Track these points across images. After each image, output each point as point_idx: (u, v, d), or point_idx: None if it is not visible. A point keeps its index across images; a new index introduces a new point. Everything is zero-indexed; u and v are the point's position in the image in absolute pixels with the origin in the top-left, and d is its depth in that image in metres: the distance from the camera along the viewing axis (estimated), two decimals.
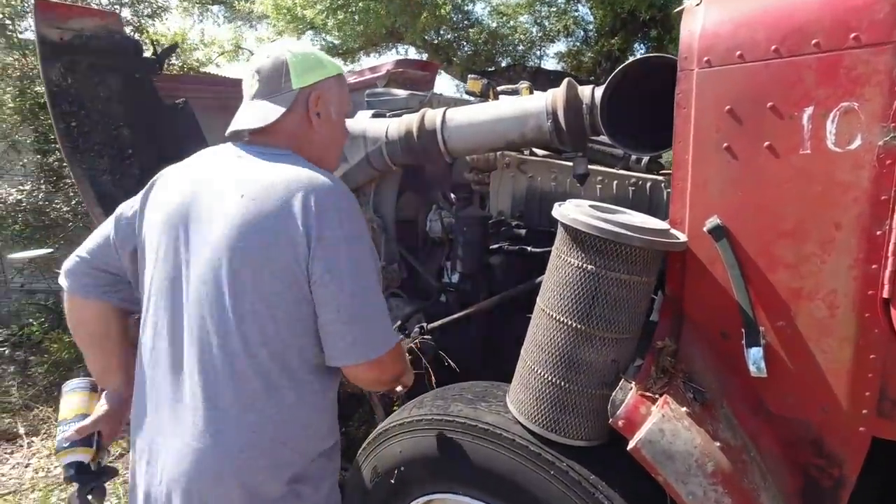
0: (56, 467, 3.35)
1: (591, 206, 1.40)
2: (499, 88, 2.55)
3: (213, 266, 1.11)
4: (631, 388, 1.22)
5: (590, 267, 1.27)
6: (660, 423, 1.12)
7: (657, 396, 1.20)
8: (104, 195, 2.32)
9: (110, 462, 1.38)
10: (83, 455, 1.25)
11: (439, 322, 2.24)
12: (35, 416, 3.69)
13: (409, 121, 2.20)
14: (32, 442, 3.46)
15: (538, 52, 14.98)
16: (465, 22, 14.12)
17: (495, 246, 2.33)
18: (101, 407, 1.32)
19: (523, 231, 2.33)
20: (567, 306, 1.30)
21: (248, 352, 1.10)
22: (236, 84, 4.34)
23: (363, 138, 2.32)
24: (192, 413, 1.11)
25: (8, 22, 5.32)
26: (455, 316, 2.19)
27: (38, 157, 5.23)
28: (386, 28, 8.92)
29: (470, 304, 2.26)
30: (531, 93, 2.50)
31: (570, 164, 2.27)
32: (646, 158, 2.21)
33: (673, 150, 1.37)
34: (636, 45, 14.07)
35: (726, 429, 1.22)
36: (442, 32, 13.94)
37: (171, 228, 1.17)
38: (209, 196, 1.16)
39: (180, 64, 6.51)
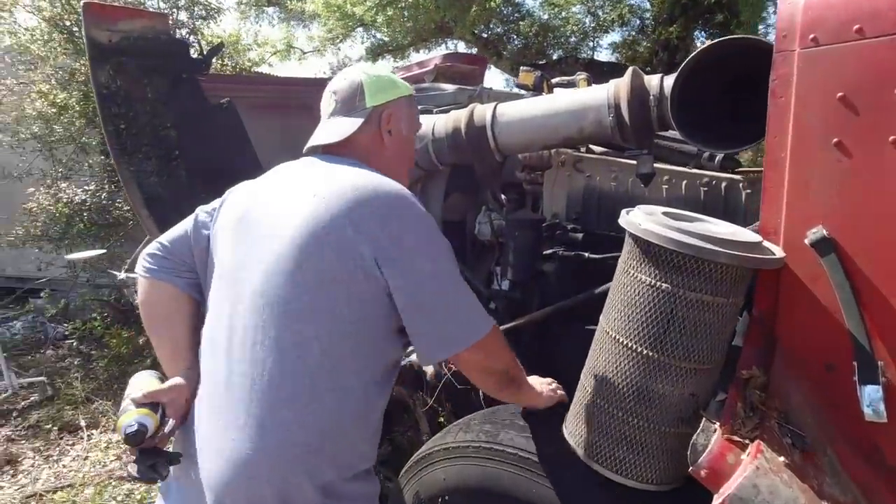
0: (112, 461, 3.44)
1: (664, 213, 1.22)
2: (553, 81, 2.37)
3: (279, 261, 1.11)
4: (715, 431, 1.03)
5: (665, 286, 1.09)
6: (753, 477, 0.94)
7: (747, 441, 1.01)
8: (152, 197, 2.30)
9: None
10: (146, 417, 1.13)
11: None
12: (95, 409, 3.81)
13: (457, 117, 2.06)
14: (92, 434, 3.56)
15: (591, 44, 14.48)
16: (516, 14, 13.82)
17: (549, 251, 2.16)
18: (171, 381, 1.25)
19: (580, 235, 2.14)
20: (637, 330, 1.13)
21: (299, 349, 1.09)
22: (280, 83, 4.32)
23: None
24: (235, 406, 1.10)
25: (76, 29, 5.54)
26: (505, 326, 2.04)
27: (103, 158, 5.44)
28: (435, 23, 8.79)
29: (521, 313, 2.10)
30: (589, 85, 2.31)
31: (633, 162, 2.06)
32: (720, 156, 1.98)
33: (766, 146, 1.17)
34: (696, 31, 13.38)
35: (833, 483, 1.01)
36: (492, 26, 13.71)
37: (241, 224, 1.21)
38: (281, 195, 1.20)
39: (233, 64, 6.63)
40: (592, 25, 14.32)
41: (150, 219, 2.24)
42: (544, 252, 2.16)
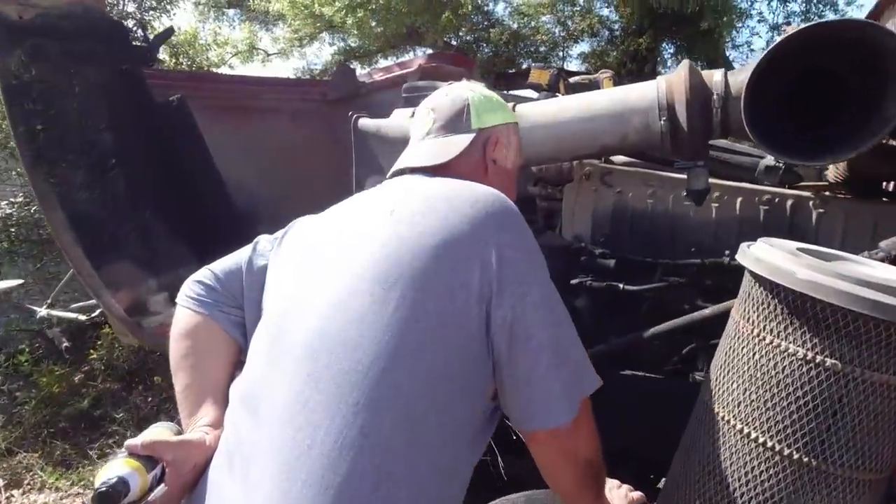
0: None
1: (801, 249, 0.87)
2: (571, 80, 2.04)
3: (347, 295, 0.86)
4: None
5: (832, 362, 0.74)
6: None
7: None
8: (79, 217, 1.83)
9: None
10: (134, 474, 0.80)
11: None
12: (18, 463, 3.22)
13: None
14: (12, 496, 2.99)
15: (561, 54, 14.47)
16: (486, 22, 13.67)
17: (575, 281, 1.81)
18: (184, 435, 0.96)
19: (611, 262, 1.80)
20: (782, 424, 0.78)
21: (368, 411, 0.79)
22: (243, 82, 3.85)
23: (404, 141, 1.82)
24: (275, 483, 0.79)
25: None
26: None
27: None
28: (406, 27, 8.45)
29: None
30: (614, 84, 1.98)
31: (674, 175, 1.74)
32: (780, 170, 1.68)
33: None
34: (665, 43, 13.52)
35: None
36: (462, 34, 13.50)
37: (308, 254, 0.99)
38: (354, 219, 1.00)
39: (189, 64, 6.08)
40: (562, 35, 14.30)
41: (75, 245, 1.77)
42: (571, 282, 1.80)
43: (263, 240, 1.12)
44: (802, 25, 1.30)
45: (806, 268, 0.76)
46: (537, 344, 0.83)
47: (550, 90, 1.98)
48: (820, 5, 10.32)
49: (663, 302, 1.81)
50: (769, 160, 1.69)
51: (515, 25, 14.41)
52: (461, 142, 1.06)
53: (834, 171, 1.81)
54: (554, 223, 2.05)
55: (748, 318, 0.85)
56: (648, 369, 1.77)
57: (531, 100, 1.78)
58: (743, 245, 0.93)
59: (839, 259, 0.91)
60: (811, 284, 0.73)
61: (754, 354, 0.83)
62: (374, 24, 8.50)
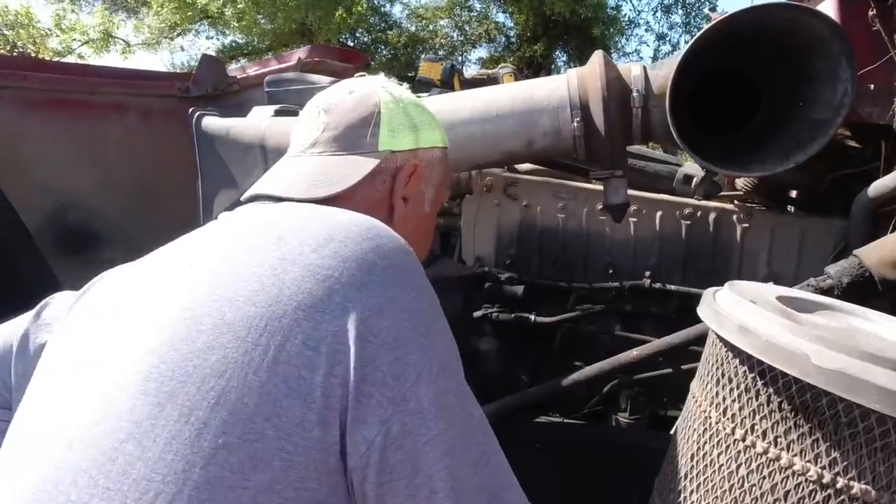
0: None
1: (781, 298, 0.62)
2: (468, 75, 1.75)
3: (120, 389, 0.51)
4: None
5: (862, 488, 0.48)
6: None
7: None
8: None
9: None
10: None
11: None
12: None
13: None
14: None
15: (460, 58, 14.51)
16: (383, 24, 13.36)
17: (478, 313, 1.52)
18: None
19: (519, 289, 1.53)
20: None
21: None
22: (80, 72, 3.22)
23: (260, 149, 1.43)
24: None
25: None
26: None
27: None
28: (295, 23, 7.88)
29: None
30: (517, 80, 1.72)
31: (589, 186, 1.50)
32: (698, 179, 1.49)
33: None
34: (557, 51, 13.99)
35: None
36: (359, 35, 13.08)
37: (83, 336, 0.61)
38: (157, 276, 0.61)
39: (25, 52, 5.10)
40: (460, 39, 14.34)
41: None
42: (474, 314, 1.51)
43: (55, 302, 0.79)
44: (728, 13, 1.10)
45: (824, 346, 0.49)
46: (427, 483, 0.50)
47: (443, 87, 1.68)
48: (698, 18, 11.14)
49: (579, 332, 1.57)
50: (688, 169, 1.51)
51: (413, 28, 14.22)
52: (359, 167, 0.71)
53: (743, 180, 1.67)
54: (452, 243, 1.75)
55: (726, 412, 0.58)
56: (563, 412, 1.52)
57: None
58: (707, 293, 0.67)
59: (828, 310, 0.67)
60: (841, 378, 0.46)
61: (739, 467, 0.56)
62: (260, 18, 7.83)
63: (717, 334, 0.61)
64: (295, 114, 1.53)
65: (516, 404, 1.28)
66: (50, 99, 2.62)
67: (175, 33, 7.98)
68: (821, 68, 1.13)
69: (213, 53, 8.98)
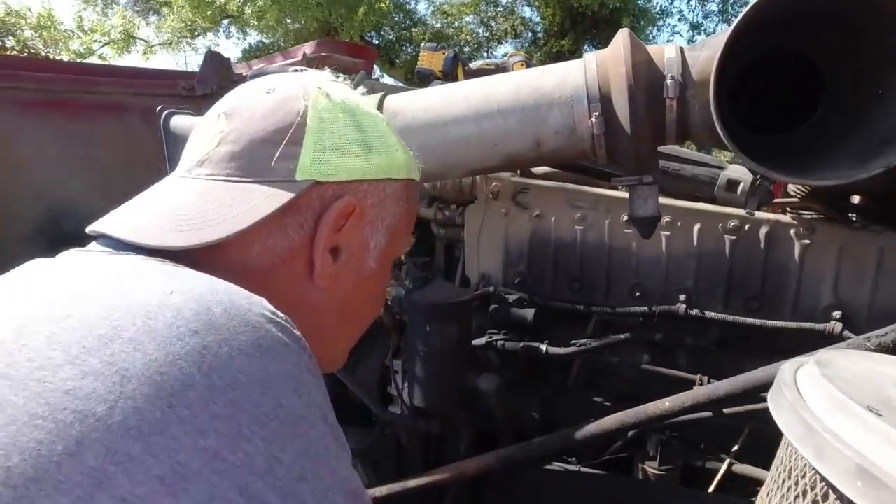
0: None
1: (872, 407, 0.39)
2: (473, 65, 1.54)
3: None
4: None
5: None
6: None
7: None
8: None
9: None
10: None
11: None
12: None
13: None
14: None
15: (485, 54, 14.26)
16: (408, 21, 13.23)
17: (481, 341, 1.30)
18: None
19: (529, 312, 1.31)
20: None
21: None
22: (79, 70, 3.13)
23: None
24: None
25: None
26: (416, 483, 1.15)
27: None
28: (319, 22, 7.77)
29: (442, 456, 1.23)
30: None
31: (613, 192, 1.28)
32: (744, 184, 1.24)
33: None
34: (586, 45, 13.59)
35: None
36: (383, 33, 12.96)
37: None
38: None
39: (48, 53, 5.11)
40: (486, 36, 14.09)
41: None
42: (474, 343, 1.30)
43: None
44: None
45: None
46: None
47: (445, 79, 1.47)
48: (736, 6, 10.60)
49: (599, 364, 1.34)
50: (732, 172, 1.26)
51: (438, 25, 14.07)
52: (260, 201, 0.48)
53: (797, 185, 1.42)
54: (457, 256, 1.54)
55: None
56: (580, 457, 1.30)
57: (407, 89, 1.26)
58: (784, 374, 0.44)
59: None
60: None
61: None
62: (283, 17, 7.75)
63: (809, 462, 0.38)
64: None
65: (520, 456, 1.07)
66: (44, 100, 2.52)
67: (196, 33, 7.95)
68: None
69: (238, 54, 8.96)
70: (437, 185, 1.44)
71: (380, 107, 1.11)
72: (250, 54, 9.58)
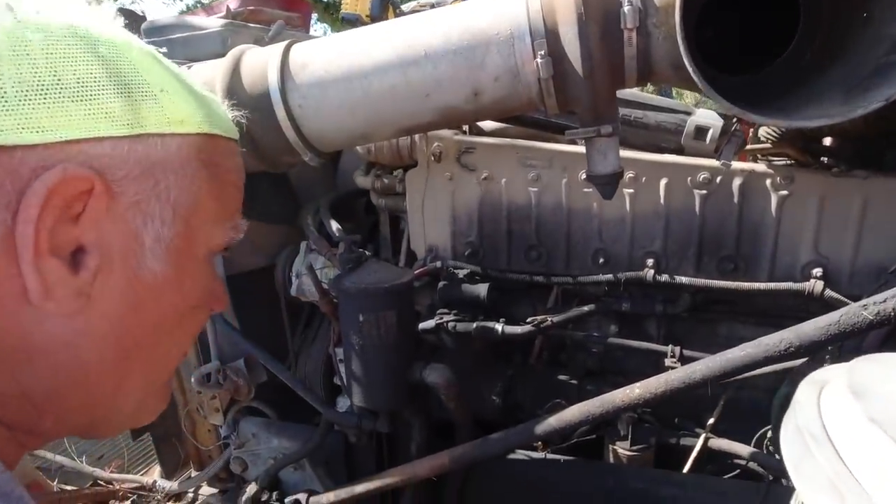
0: None
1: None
2: (406, 6, 1.34)
3: None
4: None
5: None
6: None
7: None
8: None
9: None
10: None
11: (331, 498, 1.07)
12: None
13: (209, 76, 0.95)
14: None
15: None
16: None
17: (429, 324, 1.16)
18: None
19: (482, 288, 1.17)
20: None
21: None
22: None
23: None
24: None
25: None
26: (365, 488, 1.02)
27: None
28: None
29: (394, 456, 1.11)
30: None
31: (570, 147, 1.12)
32: (713, 130, 1.10)
33: None
34: None
35: None
36: None
37: None
38: None
39: None
40: None
41: None
42: (421, 327, 1.15)
43: None
44: None
45: None
46: None
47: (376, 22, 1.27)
48: None
49: (563, 339, 1.22)
50: (700, 118, 1.12)
51: None
52: None
53: (768, 129, 1.29)
54: (403, 229, 1.38)
55: None
56: (546, 442, 1.19)
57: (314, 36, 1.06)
58: (800, 403, 0.31)
59: None
60: None
61: None
62: None
63: None
64: None
65: (476, 454, 0.94)
66: None
67: None
68: None
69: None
70: (372, 148, 1.26)
71: (285, 58, 0.92)
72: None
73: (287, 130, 0.92)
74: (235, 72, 0.92)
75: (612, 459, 1.12)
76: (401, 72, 0.87)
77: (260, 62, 0.94)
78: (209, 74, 0.93)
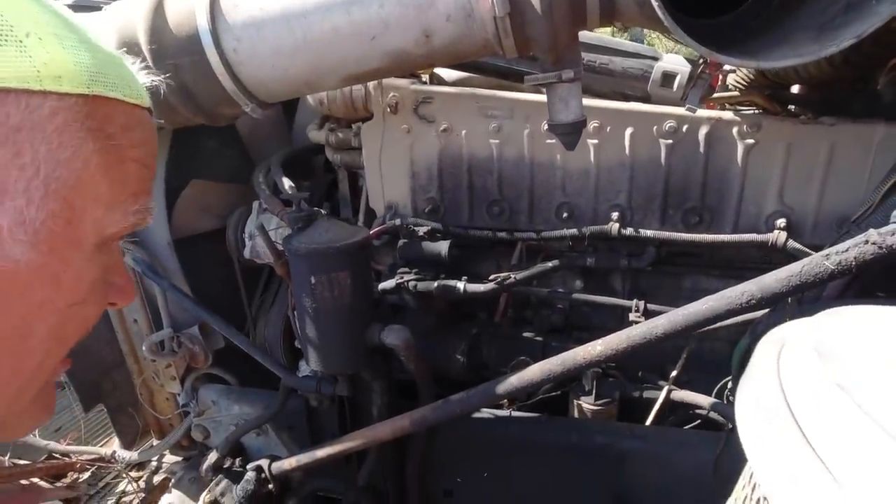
0: None
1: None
2: None
3: None
4: None
5: None
6: None
7: None
8: None
9: None
10: None
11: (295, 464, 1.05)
12: None
13: (128, 19, 0.85)
14: None
15: None
16: None
17: (390, 283, 1.12)
18: None
19: (443, 245, 1.12)
20: None
21: None
22: None
23: None
24: None
25: None
26: (326, 453, 1.00)
27: None
28: None
29: (361, 416, 1.08)
30: None
31: (532, 95, 1.06)
32: (681, 77, 1.05)
33: None
34: None
35: None
36: None
37: None
38: None
39: None
40: None
41: None
42: (381, 287, 1.11)
43: None
44: None
45: None
46: None
47: None
48: None
49: (528, 296, 1.19)
50: (668, 63, 1.07)
51: None
52: None
53: (737, 76, 1.25)
54: (361, 185, 1.31)
55: None
56: (510, 399, 1.18)
57: None
58: (758, 367, 0.27)
59: None
60: None
61: None
62: None
63: None
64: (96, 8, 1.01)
65: (437, 416, 0.92)
66: None
67: None
68: None
69: None
70: (325, 100, 1.18)
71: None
72: None
73: (222, 77, 0.84)
74: (159, 9, 0.82)
75: (576, 414, 1.12)
76: (344, 10, 0.79)
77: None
78: (126, 15, 0.83)
